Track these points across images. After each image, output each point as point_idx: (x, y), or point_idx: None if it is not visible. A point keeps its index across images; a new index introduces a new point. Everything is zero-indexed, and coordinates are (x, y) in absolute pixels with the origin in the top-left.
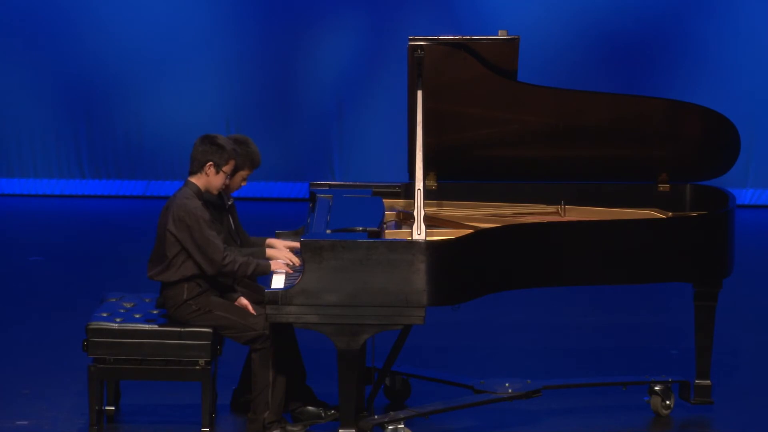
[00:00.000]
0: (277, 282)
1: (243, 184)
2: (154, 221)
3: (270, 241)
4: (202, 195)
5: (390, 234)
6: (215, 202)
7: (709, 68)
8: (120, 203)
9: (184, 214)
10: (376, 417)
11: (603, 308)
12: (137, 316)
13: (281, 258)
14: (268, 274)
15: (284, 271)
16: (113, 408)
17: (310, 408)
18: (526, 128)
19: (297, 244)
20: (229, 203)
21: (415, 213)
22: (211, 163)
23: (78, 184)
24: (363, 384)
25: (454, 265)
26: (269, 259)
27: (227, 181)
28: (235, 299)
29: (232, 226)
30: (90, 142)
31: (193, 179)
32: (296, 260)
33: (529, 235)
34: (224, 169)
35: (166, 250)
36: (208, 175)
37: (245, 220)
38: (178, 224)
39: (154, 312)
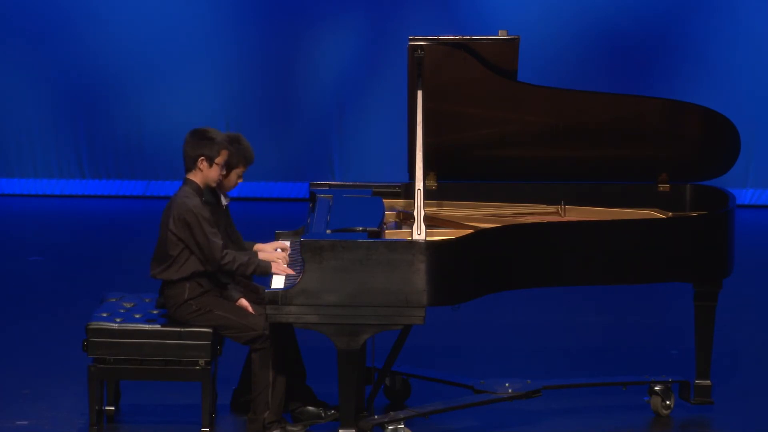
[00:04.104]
0: (277, 282)
1: (239, 181)
2: (154, 221)
3: (257, 246)
4: (203, 192)
5: (390, 234)
6: (211, 202)
7: (709, 68)
8: (120, 203)
9: (184, 213)
10: (376, 417)
11: (603, 308)
12: (137, 316)
13: (282, 265)
14: (269, 275)
15: (284, 274)
16: (113, 408)
17: (310, 408)
18: (526, 128)
19: (285, 244)
20: (225, 203)
21: (415, 213)
22: (203, 157)
23: (78, 184)
24: (363, 384)
25: (454, 265)
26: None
27: (223, 171)
28: (236, 299)
29: (228, 226)
30: (90, 142)
31: (191, 176)
32: (286, 269)
33: (529, 235)
34: (217, 161)
35: (168, 250)
36: (202, 170)
37: (245, 221)
38: (178, 223)
39: (154, 312)
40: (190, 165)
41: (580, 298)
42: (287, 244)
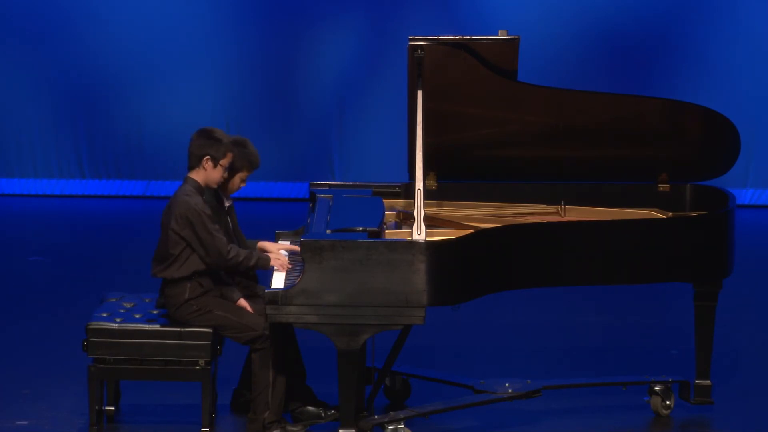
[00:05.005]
0: (277, 282)
1: (242, 185)
2: (154, 221)
3: (261, 244)
4: (203, 191)
5: (390, 234)
6: (213, 204)
7: (709, 68)
8: (120, 203)
9: (186, 212)
10: (376, 417)
11: (603, 308)
12: (137, 316)
13: (281, 260)
14: (269, 269)
15: (283, 270)
16: (113, 408)
17: (310, 408)
18: (526, 128)
19: (293, 247)
20: (228, 204)
21: (415, 213)
22: (208, 157)
23: (78, 184)
24: (363, 384)
25: (454, 265)
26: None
27: (225, 174)
28: (236, 300)
29: (230, 227)
30: (90, 142)
31: (192, 175)
32: (286, 263)
33: (529, 235)
34: (221, 162)
35: (169, 248)
36: (206, 170)
37: (245, 221)
38: (180, 222)
39: (154, 312)
40: (194, 163)
41: (580, 298)
42: (296, 247)
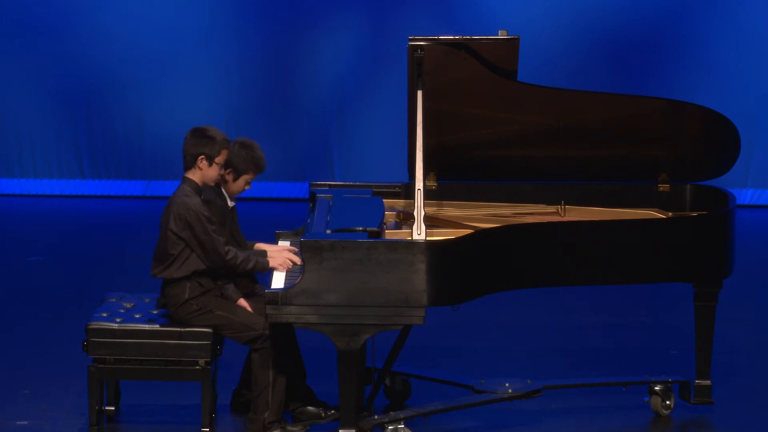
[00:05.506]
0: (277, 282)
1: (247, 188)
2: (154, 221)
3: (259, 246)
4: (201, 191)
5: (390, 234)
6: (215, 202)
7: (709, 68)
8: (120, 203)
9: (184, 212)
10: (376, 417)
11: (603, 308)
12: (137, 316)
13: (281, 259)
14: (267, 272)
15: (284, 269)
16: (113, 408)
17: (310, 408)
18: (526, 128)
19: (291, 248)
20: (231, 205)
21: (415, 213)
22: (202, 156)
23: (78, 184)
24: (363, 384)
25: (454, 265)
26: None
27: (222, 171)
28: (236, 300)
29: (234, 227)
30: (90, 142)
31: (189, 175)
32: (297, 259)
33: (529, 235)
34: (217, 160)
35: (168, 249)
36: (201, 169)
37: (245, 221)
38: (179, 222)
39: (154, 312)
40: (190, 163)
41: (580, 298)
42: (294, 249)
